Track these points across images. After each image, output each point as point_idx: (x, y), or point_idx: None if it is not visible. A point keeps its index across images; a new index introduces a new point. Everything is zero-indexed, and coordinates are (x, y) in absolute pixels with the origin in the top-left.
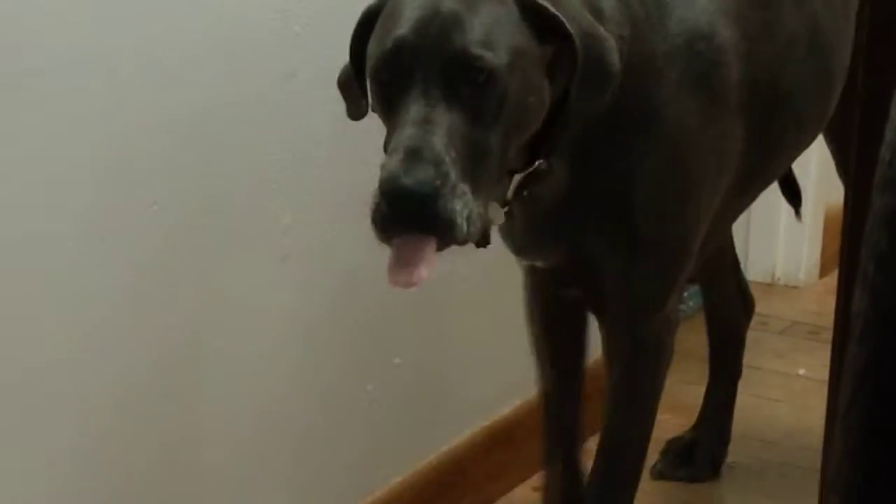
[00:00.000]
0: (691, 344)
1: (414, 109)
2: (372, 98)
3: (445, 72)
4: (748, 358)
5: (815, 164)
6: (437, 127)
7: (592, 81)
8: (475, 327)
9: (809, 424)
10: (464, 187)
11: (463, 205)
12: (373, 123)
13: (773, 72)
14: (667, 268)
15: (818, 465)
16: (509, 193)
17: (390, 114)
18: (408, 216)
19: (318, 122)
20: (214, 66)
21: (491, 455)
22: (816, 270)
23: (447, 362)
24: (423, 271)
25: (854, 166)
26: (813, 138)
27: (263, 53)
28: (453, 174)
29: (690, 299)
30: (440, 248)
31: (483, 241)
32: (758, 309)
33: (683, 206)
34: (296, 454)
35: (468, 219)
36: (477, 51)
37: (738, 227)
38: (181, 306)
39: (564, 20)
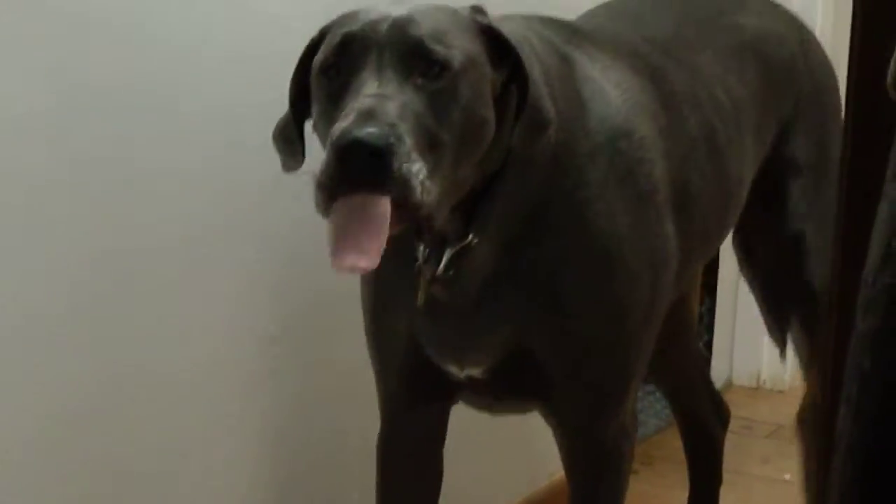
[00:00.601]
0: (674, 450)
1: (367, 86)
2: (315, 104)
3: (400, 59)
4: (734, 463)
5: None
6: (391, 100)
7: (532, 126)
8: (464, 431)
9: None
10: (417, 157)
11: (417, 168)
12: None
13: (683, 171)
14: (615, 373)
15: None
16: (440, 268)
17: (336, 107)
18: (359, 172)
19: (304, 234)
20: (204, 183)
21: None
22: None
23: None
24: (374, 250)
25: (836, 280)
26: (714, 248)
27: (248, 167)
28: (408, 140)
29: None
30: (393, 210)
31: (430, 221)
32: (743, 413)
33: (621, 309)
34: None
35: (423, 183)
36: (433, 45)
37: (723, 332)
38: (167, 418)
39: (516, 47)
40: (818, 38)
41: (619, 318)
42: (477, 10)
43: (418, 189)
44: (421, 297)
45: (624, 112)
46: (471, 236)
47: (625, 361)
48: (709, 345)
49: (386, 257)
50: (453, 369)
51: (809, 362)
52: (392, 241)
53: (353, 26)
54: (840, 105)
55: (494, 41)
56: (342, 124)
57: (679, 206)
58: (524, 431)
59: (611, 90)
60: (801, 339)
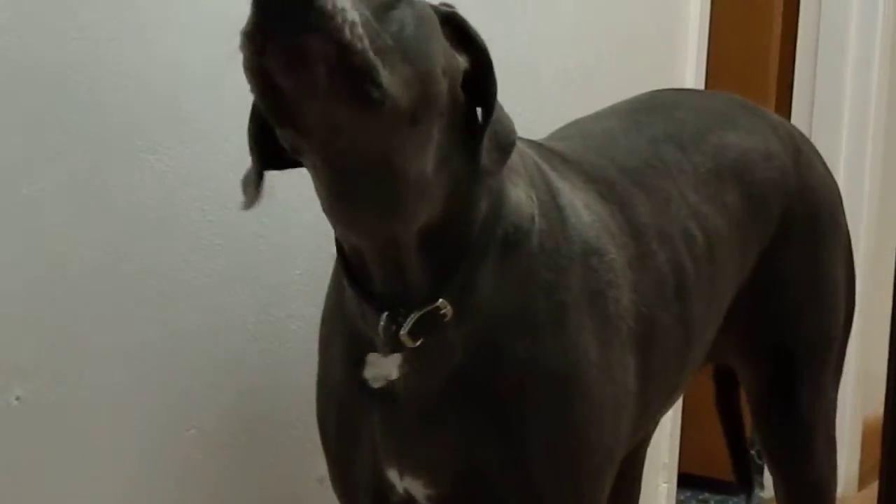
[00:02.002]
0: None
1: None
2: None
3: None
4: None
5: (853, 374)
6: None
7: (497, 139)
8: None
9: None
10: (352, 6)
11: (352, 13)
12: None
13: (651, 308)
14: (576, 495)
15: None
16: (404, 330)
17: None
18: (283, 11)
19: None
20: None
21: None
22: (855, 483)
23: None
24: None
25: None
26: (673, 396)
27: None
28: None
29: None
30: (326, 48)
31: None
32: None
33: (582, 438)
34: None
35: (354, 25)
36: None
37: None
38: None
39: (479, 39)
40: (866, 192)
41: (579, 449)
42: (445, 3)
43: (351, 29)
44: (373, 372)
45: (595, 231)
46: (439, 301)
47: (589, 487)
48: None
49: (346, 373)
50: (392, 475)
51: None
52: (351, 354)
53: None
54: (841, 221)
55: (456, 31)
56: None
57: (643, 343)
58: None
59: (581, 208)
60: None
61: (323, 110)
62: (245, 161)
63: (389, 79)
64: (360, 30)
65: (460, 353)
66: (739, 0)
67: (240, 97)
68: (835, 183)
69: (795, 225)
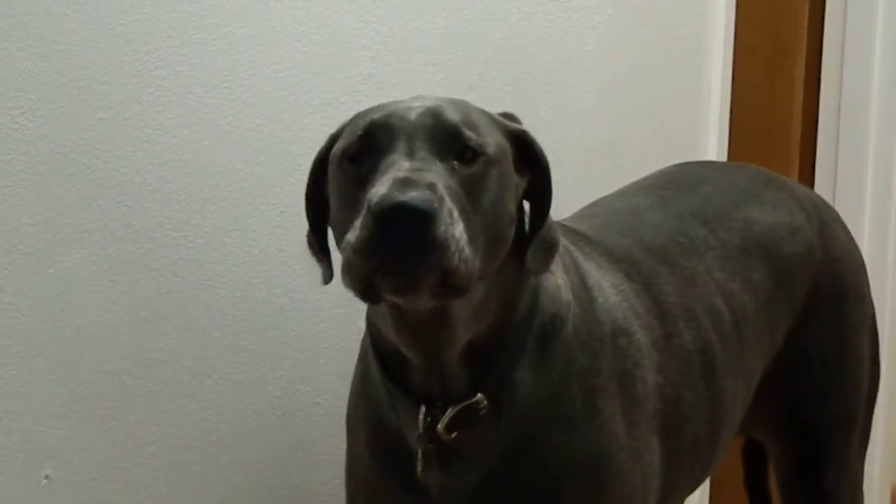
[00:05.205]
0: None
1: (398, 164)
2: (335, 194)
3: (433, 142)
4: None
5: (881, 443)
6: (427, 171)
7: (545, 244)
8: None
9: None
10: (458, 218)
11: (460, 232)
12: None
13: (677, 388)
14: None
15: None
16: (441, 425)
17: (362, 190)
18: (402, 235)
19: None
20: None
21: None
22: None
23: None
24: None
25: None
26: (703, 474)
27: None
28: (448, 201)
29: None
30: (435, 276)
31: (462, 292)
32: None
33: None
34: None
35: (463, 249)
36: (466, 131)
37: None
38: None
39: (544, 159)
40: (890, 260)
41: None
42: (508, 115)
43: (459, 255)
44: (420, 465)
45: (622, 311)
46: (478, 395)
47: None
48: None
49: (372, 462)
50: None
51: None
52: (377, 442)
53: (377, 115)
54: (865, 292)
55: (522, 148)
56: (379, 190)
57: (669, 423)
58: None
59: (608, 288)
60: None
61: (418, 306)
62: (269, 237)
63: (474, 265)
64: (466, 252)
65: (496, 449)
66: (761, 70)
67: (264, 179)
68: (859, 253)
69: (822, 299)
